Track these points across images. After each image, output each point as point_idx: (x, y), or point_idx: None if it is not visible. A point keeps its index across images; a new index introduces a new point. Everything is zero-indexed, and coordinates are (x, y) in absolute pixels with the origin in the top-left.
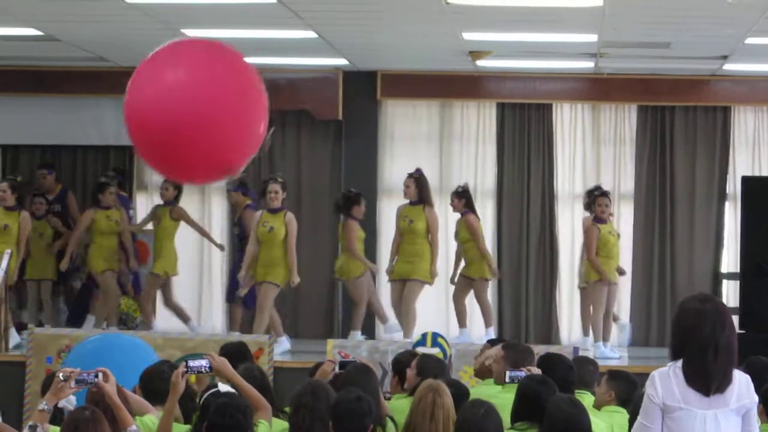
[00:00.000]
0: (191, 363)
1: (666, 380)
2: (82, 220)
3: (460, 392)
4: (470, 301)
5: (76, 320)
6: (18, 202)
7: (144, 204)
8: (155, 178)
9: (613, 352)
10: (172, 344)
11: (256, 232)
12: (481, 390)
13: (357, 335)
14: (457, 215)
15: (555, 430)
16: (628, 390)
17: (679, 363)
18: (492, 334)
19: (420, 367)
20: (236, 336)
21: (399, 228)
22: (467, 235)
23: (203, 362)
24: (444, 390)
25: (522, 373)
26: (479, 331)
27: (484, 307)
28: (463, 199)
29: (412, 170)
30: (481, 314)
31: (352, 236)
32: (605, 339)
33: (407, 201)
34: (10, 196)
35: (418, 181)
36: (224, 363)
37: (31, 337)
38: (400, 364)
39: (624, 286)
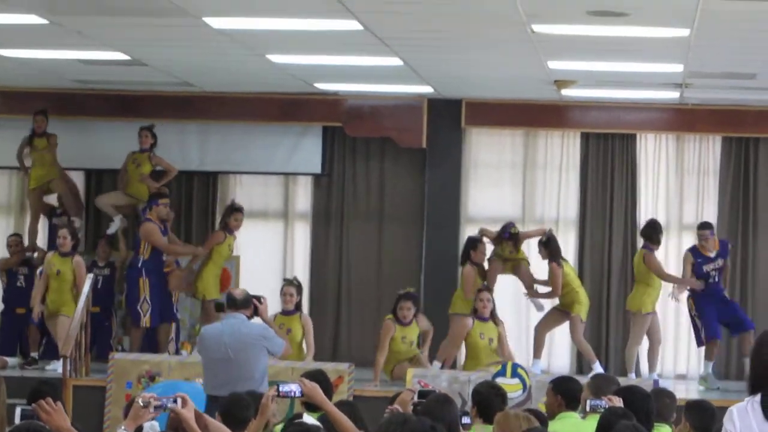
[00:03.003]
0: (282, 387)
1: (744, 415)
2: (212, 240)
3: (540, 420)
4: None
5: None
6: (73, 247)
7: None
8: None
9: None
10: None
11: None
12: (562, 421)
13: (437, 365)
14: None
15: None
16: (705, 420)
17: (757, 398)
18: (539, 365)
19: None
20: (315, 365)
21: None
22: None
23: (294, 387)
24: (532, 419)
25: (602, 402)
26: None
27: (580, 347)
28: (548, 248)
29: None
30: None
31: (469, 286)
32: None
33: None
34: (68, 243)
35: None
36: (315, 389)
37: (112, 362)
38: (480, 395)
39: (684, 317)
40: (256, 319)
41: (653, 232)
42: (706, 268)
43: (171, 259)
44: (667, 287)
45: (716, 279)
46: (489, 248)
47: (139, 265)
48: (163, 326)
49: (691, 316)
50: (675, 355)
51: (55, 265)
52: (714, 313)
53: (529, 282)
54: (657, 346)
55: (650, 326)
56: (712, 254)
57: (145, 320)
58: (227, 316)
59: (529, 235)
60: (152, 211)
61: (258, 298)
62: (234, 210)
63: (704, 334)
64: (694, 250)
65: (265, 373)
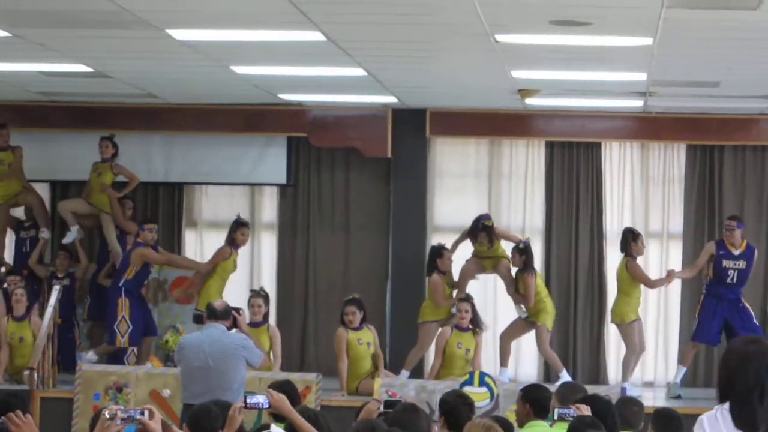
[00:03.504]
0: (250, 399)
1: (714, 423)
2: (218, 255)
3: (506, 429)
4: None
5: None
6: (27, 308)
7: (193, 241)
8: (204, 215)
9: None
10: None
11: None
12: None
13: (405, 375)
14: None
15: None
16: (672, 428)
17: (726, 405)
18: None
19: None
20: (283, 375)
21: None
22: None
23: (262, 398)
24: (499, 429)
25: (570, 411)
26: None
27: (546, 356)
28: (523, 256)
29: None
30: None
31: (438, 295)
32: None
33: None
34: (24, 302)
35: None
36: (283, 400)
37: (79, 374)
38: (447, 404)
39: (673, 327)
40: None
41: (632, 239)
42: (726, 264)
43: (195, 276)
44: (648, 293)
45: (734, 280)
46: (465, 251)
47: (120, 284)
48: (145, 339)
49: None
50: (642, 362)
51: (15, 333)
52: (717, 318)
53: (510, 281)
54: (640, 353)
55: (630, 335)
56: (736, 252)
57: (124, 340)
58: (207, 326)
59: (505, 235)
60: (140, 236)
61: (237, 310)
62: (240, 225)
63: (694, 334)
64: (719, 242)
65: (243, 384)
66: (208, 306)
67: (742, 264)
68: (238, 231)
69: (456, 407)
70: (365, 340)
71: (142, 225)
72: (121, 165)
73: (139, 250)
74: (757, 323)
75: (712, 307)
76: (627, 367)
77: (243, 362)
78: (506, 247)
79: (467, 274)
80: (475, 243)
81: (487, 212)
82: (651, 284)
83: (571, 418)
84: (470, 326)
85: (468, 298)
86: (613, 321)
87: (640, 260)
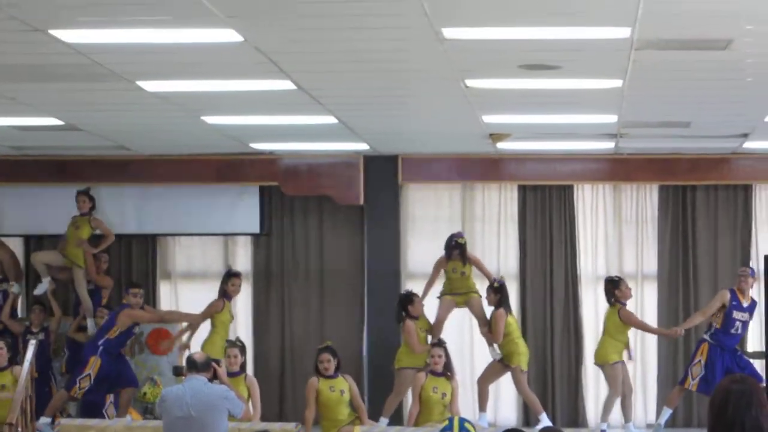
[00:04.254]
0: None
1: None
2: (210, 308)
3: None
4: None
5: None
6: (9, 360)
7: (168, 293)
8: (178, 266)
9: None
10: None
11: None
12: None
13: (384, 422)
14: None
15: None
16: None
17: None
18: (485, 418)
19: None
20: (262, 425)
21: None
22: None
23: None
24: None
25: None
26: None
27: (526, 398)
28: (498, 294)
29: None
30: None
31: (413, 340)
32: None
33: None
34: (5, 355)
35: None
36: None
37: (58, 428)
38: None
39: (651, 367)
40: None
41: (613, 287)
42: (736, 315)
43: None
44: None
45: (738, 331)
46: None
47: (100, 342)
48: (125, 391)
49: (694, 358)
50: (596, 405)
51: None
52: (722, 370)
53: (481, 318)
54: (629, 394)
55: (615, 378)
56: (745, 304)
57: (78, 393)
58: (188, 378)
59: (477, 262)
60: (125, 299)
61: (216, 361)
62: (230, 276)
63: (697, 384)
64: (733, 292)
65: None
66: (188, 358)
67: (747, 316)
68: (229, 282)
69: None
70: (338, 388)
71: (127, 288)
72: (100, 219)
73: (126, 311)
74: (756, 369)
75: (717, 358)
76: (607, 408)
77: (225, 413)
78: (478, 283)
79: (441, 315)
80: (448, 261)
81: (461, 231)
82: (653, 331)
83: None
84: (445, 371)
85: (441, 343)
86: (596, 363)
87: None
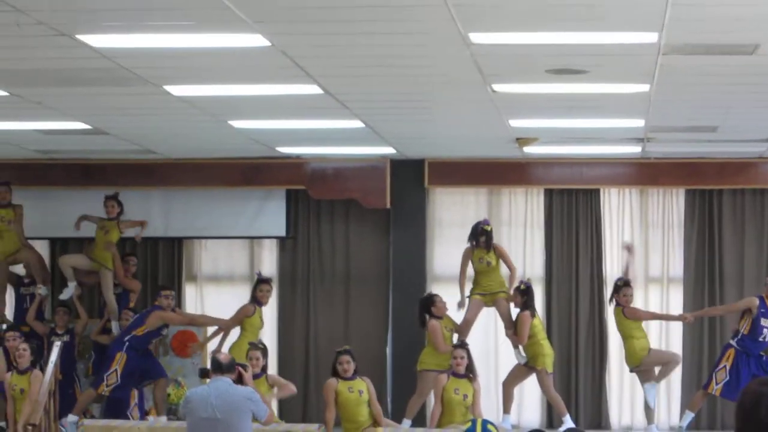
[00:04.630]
0: None
1: None
2: (240, 313)
3: None
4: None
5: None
6: (32, 363)
7: (193, 296)
8: (204, 269)
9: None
10: None
11: None
12: None
13: (407, 423)
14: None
15: None
16: None
17: None
18: (509, 420)
19: None
20: (285, 427)
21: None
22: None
23: None
24: None
25: None
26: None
27: (551, 399)
28: (525, 297)
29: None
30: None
31: (438, 339)
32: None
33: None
34: (27, 357)
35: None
36: None
37: (81, 429)
38: None
39: (675, 371)
40: None
41: (615, 290)
42: (764, 322)
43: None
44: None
45: (765, 338)
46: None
47: (125, 339)
48: (159, 384)
49: (719, 363)
50: (619, 407)
51: (17, 384)
52: (747, 376)
53: (507, 320)
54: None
55: (660, 357)
56: None
57: (107, 390)
58: (213, 379)
59: (503, 254)
60: (158, 301)
61: (243, 366)
62: (260, 282)
63: (721, 389)
64: (762, 299)
65: None
66: (213, 360)
67: None
68: (257, 288)
69: None
70: (356, 388)
71: (159, 291)
72: (126, 221)
73: (157, 313)
74: None
75: (743, 364)
76: (663, 373)
77: (249, 415)
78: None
79: (471, 316)
80: (474, 251)
81: (486, 218)
82: (662, 317)
83: None
84: (467, 372)
85: (463, 345)
86: (632, 370)
87: (640, 305)
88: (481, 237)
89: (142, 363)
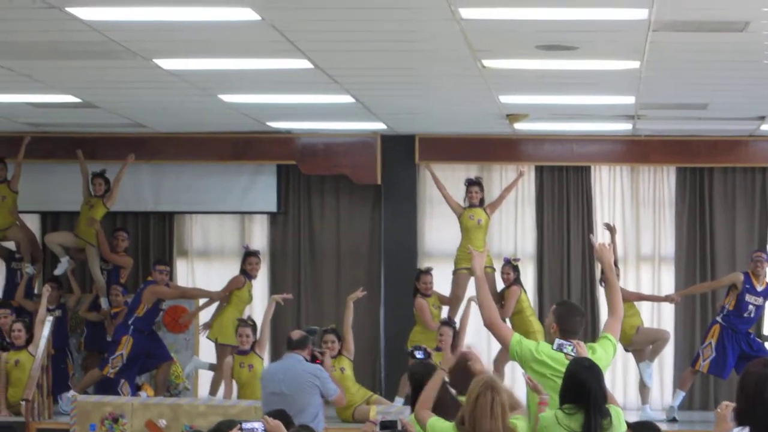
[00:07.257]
0: (245, 425)
1: None
2: (231, 284)
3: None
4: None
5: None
6: (26, 341)
7: (184, 271)
8: (194, 244)
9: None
10: (215, 411)
11: (232, 376)
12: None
13: (400, 401)
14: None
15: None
16: None
17: (747, 429)
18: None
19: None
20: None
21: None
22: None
23: (257, 425)
24: (500, 387)
25: (568, 343)
26: None
27: None
28: (516, 272)
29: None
30: None
31: (425, 317)
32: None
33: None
34: (23, 337)
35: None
36: (279, 426)
37: (74, 405)
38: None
39: (667, 351)
40: None
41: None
42: (749, 298)
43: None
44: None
45: (751, 314)
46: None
47: (130, 322)
48: (161, 369)
49: (704, 340)
50: (612, 386)
51: (11, 357)
52: (733, 353)
53: (493, 293)
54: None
55: (647, 336)
56: (759, 288)
57: (111, 372)
58: (285, 356)
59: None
60: (152, 276)
61: (321, 352)
62: (247, 255)
63: (708, 365)
64: (747, 275)
65: (320, 409)
66: (288, 337)
67: (761, 301)
68: (245, 261)
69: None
70: (338, 366)
71: (154, 265)
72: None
73: (151, 288)
74: None
75: (728, 341)
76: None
77: (316, 390)
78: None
79: (458, 292)
80: (465, 209)
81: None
82: (648, 298)
83: (572, 354)
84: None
85: (450, 322)
86: (626, 349)
87: (632, 283)
88: (474, 186)
89: (148, 345)
